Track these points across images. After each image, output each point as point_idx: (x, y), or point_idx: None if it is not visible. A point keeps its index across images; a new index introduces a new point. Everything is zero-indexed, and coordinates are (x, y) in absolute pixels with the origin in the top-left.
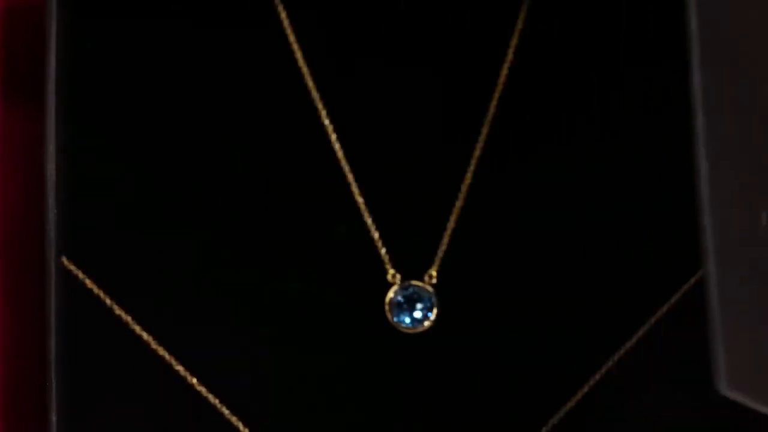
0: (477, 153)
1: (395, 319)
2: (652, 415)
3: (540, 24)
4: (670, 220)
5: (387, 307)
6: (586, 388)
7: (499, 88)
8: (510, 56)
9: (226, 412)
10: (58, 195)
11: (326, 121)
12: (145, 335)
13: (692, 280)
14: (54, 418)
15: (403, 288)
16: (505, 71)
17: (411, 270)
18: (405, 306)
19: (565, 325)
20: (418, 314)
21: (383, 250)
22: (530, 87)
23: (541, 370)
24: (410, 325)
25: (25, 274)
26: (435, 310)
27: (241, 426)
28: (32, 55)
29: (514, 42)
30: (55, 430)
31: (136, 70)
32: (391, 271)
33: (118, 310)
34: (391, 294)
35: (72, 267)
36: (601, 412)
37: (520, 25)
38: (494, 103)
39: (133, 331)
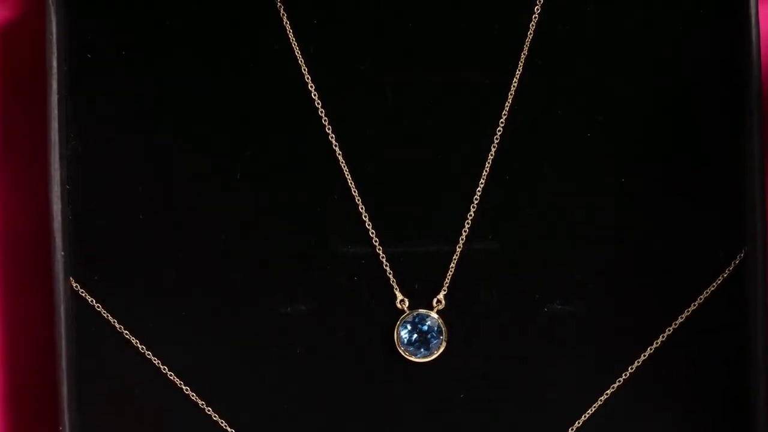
0: (486, 172)
1: (403, 349)
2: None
3: (552, 25)
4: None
5: (396, 338)
6: (596, 407)
7: (509, 103)
8: (521, 61)
9: (230, 430)
10: (65, 216)
11: (333, 141)
12: (153, 358)
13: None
14: None
15: (411, 318)
16: (515, 83)
17: (419, 294)
18: (414, 336)
19: (576, 348)
20: (426, 345)
21: (391, 275)
22: (541, 103)
23: (552, 392)
24: (419, 356)
25: (34, 296)
26: (443, 339)
27: None
28: (32, 70)
29: (525, 46)
30: None
31: (139, 84)
32: (400, 297)
33: (127, 334)
34: (399, 324)
35: (80, 289)
36: (616, 426)
37: (530, 27)
38: (505, 117)
39: (141, 353)
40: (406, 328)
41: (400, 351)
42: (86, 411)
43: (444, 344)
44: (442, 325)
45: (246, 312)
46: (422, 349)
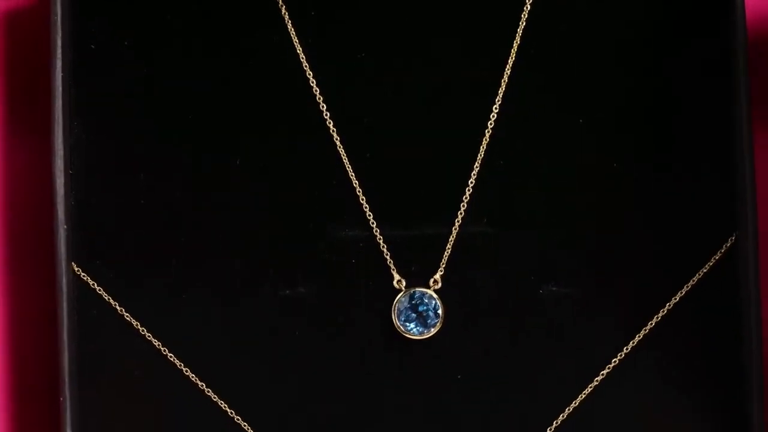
0: (481, 156)
1: (401, 326)
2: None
3: (544, 21)
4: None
5: (393, 314)
6: (592, 388)
7: (503, 89)
8: (514, 54)
9: (233, 414)
10: (68, 202)
11: (331, 126)
12: (155, 341)
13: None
14: (68, 422)
15: (408, 295)
16: (508, 70)
17: (416, 275)
18: (411, 313)
19: (571, 329)
20: (423, 321)
21: (388, 256)
22: (534, 87)
23: (548, 371)
24: (416, 332)
25: (37, 281)
26: (441, 317)
27: (247, 427)
28: (36, 60)
29: (517, 40)
30: None
31: (142, 73)
32: (397, 277)
33: (128, 317)
34: (397, 301)
35: (83, 274)
36: (610, 408)
37: (523, 23)
38: (499, 103)
39: (144, 337)
40: (403, 305)
41: (398, 327)
42: (88, 393)
43: (441, 322)
44: (439, 303)
45: (246, 295)
46: (419, 327)
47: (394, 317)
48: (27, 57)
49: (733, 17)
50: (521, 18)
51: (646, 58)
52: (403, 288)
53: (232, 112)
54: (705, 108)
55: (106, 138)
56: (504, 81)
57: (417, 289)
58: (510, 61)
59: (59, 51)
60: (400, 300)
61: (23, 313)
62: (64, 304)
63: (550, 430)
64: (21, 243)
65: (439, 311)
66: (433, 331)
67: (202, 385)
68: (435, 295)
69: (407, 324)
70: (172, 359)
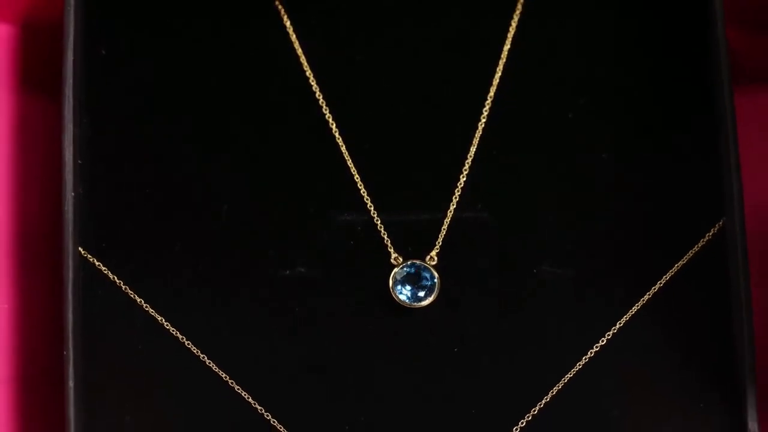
0: (476, 140)
1: (398, 294)
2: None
3: (537, 13)
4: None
5: (390, 284)
6: (581, 365)
7: (497, 78)
8: (508, 43)
9: (237, 389)
10: (76, 186)
11: (327, 113)
12: (161, 320)
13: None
14: (72, 408)
15: (405, 266)
16: (503, 59)
17: (413, 254)
18: (407, 282)
19: (563, 308)
20: (420, 289)
21: (386, 238)
22: (528, 77)
23: (540, 347)
24: (412, 300)
25: (43, 265)
26: (437, 286)
27: (255, 402)
28: (49, 52)
29: (511, 33)
30: (74, 420)
31: (147, 69)
32: (394, 255)
33: (136, 298)
34: (394, 273)
35: (90, 257)
36: (600, 386)
37: (517, 17)
38: (493, 91)
39: (151, 318)
40: (400, 275)
41: (395, 297)
42: (95, 372)
43: (437, 291)
44: (435, 273)
45: (248, 275)
46: (416, 292)
47: (390, 285)
48: (38, 51)
49: (713, 6)
50: (516, 9)
51: (631, 47)
52: (400, 263)
53: (232, 101)
54: (690, 95)
55: (114, 130)
56: (499, 69)
57: (415, 261)
58: (505, 50)
59: (71, 50)
60: (397, 271)
61: (31, 295)
62: (70, 286)
63: (541, 404)
64: (29, 228)
65: (435, 280)
66: (430, 299)
67: (209, 362)
68: (431, 266)
69: (403, 291)
70: (178, 337)
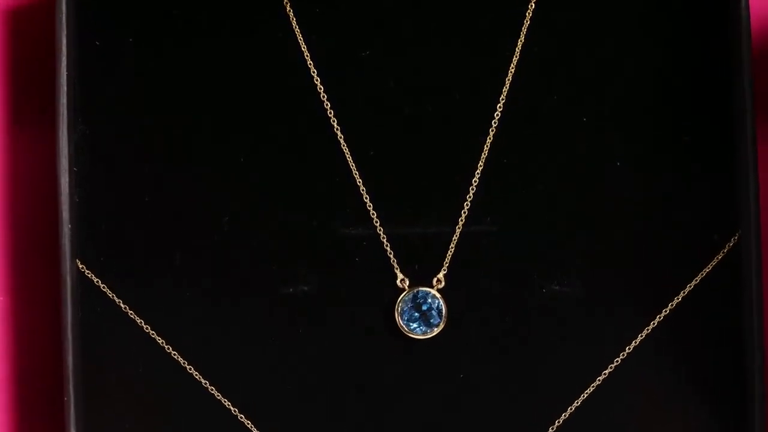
0: (484, 155)
1: (404, 326)
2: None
3: (547, 20)
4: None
5: (396, 313)
6: (594, 387)
7: (507, 87)
8: (518, 52)
9: (235, 411)
10: (72, 198)
11: (335, 124)
12: (158, 338)
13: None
14: (72, 418)
15: (412, 294)
16: (512, 69)
17: (419, 274)
18: (414, 312)
19: (574, 328)
20: (426, 321)
21: (392, 255)
22: (537, 86)
23: (551, 370)
24: (419, 332)
25: (41, 278)
26: (443, 315)
27: (249, 424)
28: (41, 57)
29: (521, 39)
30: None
31: (146, 70)
32: (400, 276)
33: (132, 314)
34: (400, 300)
35: (86, 270)
36: (612, 408)
37: (527, 21)
38: (503, 101)
39: (147, 334)
40: (407, 305)
41: (401, 327)
42: (91, 388)
43: (444, 322)
44: (442, 303)
45: (249, 292)
46: (422, 326)
47: (397, 317)
48: (32, 55)
49: (737, 15)
50: (525, 16)
51: (649, 57)
52: (407, 287)
53: (235, 109)
54: (708, 108)
55: (110, 133)
56: (508, 80)
57: (420, 288)
58: (514, 60)
59: (64, 49)
60: (404, 299)
61: (28, 308)
62: (68, 299)
63: (552, 428)
64: (25, 240)
65: (443, 310)
66: (437, 330)
67: (205, 383)
68: (438, 295)
69: (410, 324)
70: (175, 356)
